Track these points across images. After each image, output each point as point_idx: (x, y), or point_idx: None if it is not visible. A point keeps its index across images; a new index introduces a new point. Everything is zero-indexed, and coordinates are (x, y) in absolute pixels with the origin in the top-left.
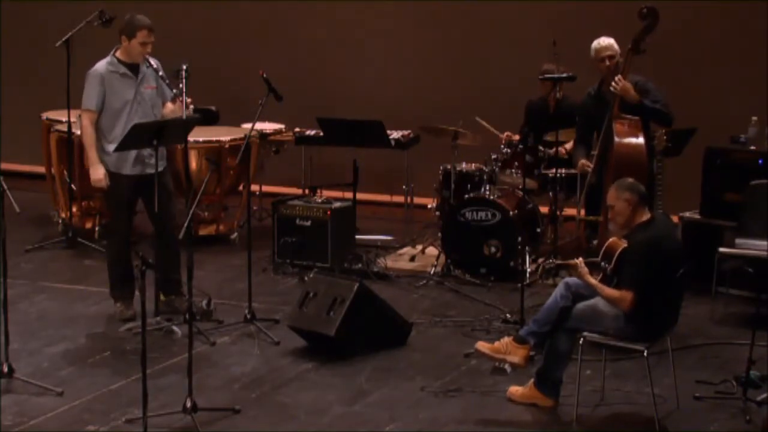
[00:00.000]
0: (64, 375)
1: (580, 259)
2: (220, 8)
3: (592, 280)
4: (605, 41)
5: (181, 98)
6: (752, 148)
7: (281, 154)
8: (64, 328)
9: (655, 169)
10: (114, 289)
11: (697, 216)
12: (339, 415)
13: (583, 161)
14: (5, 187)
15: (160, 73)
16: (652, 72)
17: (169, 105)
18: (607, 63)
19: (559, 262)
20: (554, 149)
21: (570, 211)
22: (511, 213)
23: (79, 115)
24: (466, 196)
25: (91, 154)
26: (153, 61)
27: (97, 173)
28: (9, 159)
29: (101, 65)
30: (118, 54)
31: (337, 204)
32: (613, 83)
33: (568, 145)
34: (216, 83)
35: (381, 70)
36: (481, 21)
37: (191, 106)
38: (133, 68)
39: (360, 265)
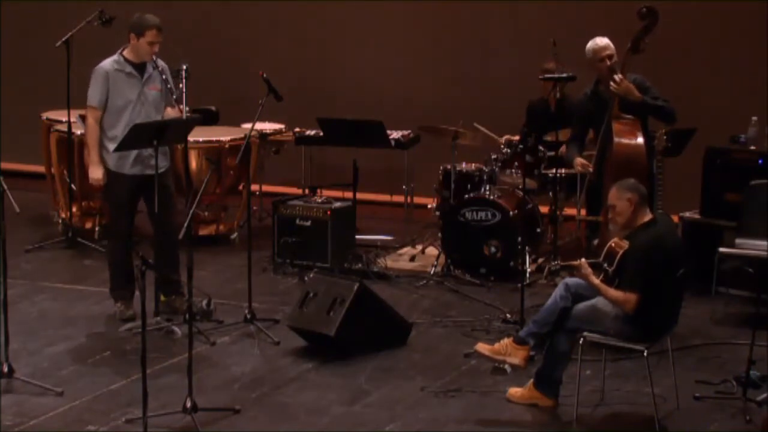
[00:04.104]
0: (64, 375)
1: (583, 259)
2: (220, 8)
3: (596, 281)
4: (602, 41)
5: (181, 105)
6: (752, 148)
7: (281, 154)
8: (64, 328)
9: (655, 169)
10: (114, 289)
11: (697, 216)
12: (339, 415)
13: (582, 161)
14: (5, 187)
15: (164, 77)
16: (652, 72)
17: (169, 110)
18: (607, 63)
19: (562, 263)
20: (555, 152)
21: (570, 211)
22: (511, 213)
23: (79, 116)
24: (466, 196)
25: (93, 152)
26: (161, 64)
27: (96, 172)
28: (9, 159)
29: (107, 63)
30: (125, 53)
31: (337, 204)
32: (613, 84)
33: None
34: (216, 83)
35: (381, 70)
36: (481, 21)
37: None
38: (139, 68)
39: (360, 265)
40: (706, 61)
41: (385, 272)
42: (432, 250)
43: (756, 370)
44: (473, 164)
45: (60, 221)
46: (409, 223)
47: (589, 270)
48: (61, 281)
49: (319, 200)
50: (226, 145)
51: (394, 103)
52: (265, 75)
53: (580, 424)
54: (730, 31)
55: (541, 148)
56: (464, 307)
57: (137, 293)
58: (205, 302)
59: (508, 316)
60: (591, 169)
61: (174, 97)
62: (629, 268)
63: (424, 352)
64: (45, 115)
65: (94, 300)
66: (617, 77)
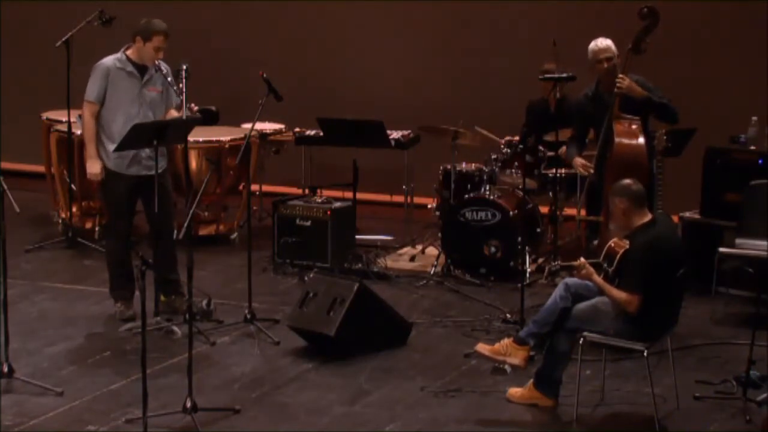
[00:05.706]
0: (64, 375)
1: (582, 259)
2: (220, 8)
3: (600, 280)
4: (603, 43)
5: (191, 104)
6: (752, 148)
7: (281, 154)
8: (64, 328)
9: (655, 169)
10: (114, 289)
11: (697, 216)
12: (339, 415)
13: (583, 162)
14: (5, 187)
15: (169, 79)
16: (653, 72)
17: (173, 111)
18: (605, 65)
19: (562, 263)
20: (554, 152)
21: (570, 211)
22: (511, 213)
23: (79, 116)
24: (466, 196)
25: (90, 147)
26: (164, 66)
27: (94, 167)
28: (9, 159)
29: (109, 60)
30: (128, 52)
31: (337, 204)
32: (617, 83)
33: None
34: (216, 83)
35: (381, 70)
36: (481, 21)
37: (197, 115)
38: (141, 69)
39: (360, 265)
40: (706, 61)
41: (385, 272)
42: (432, 250)
43: (756, 370)
44: (473, 164)
45: (60, 221)
46: (409, 223)
47: (591, 270)
48: (61, 281)
49: (319, 200)
50: (226, 145)
51: (394, 103)
52: (265, 75)
53: (580, 424)
54: (729, 31)
55: (541, 148)
56: (464, 307)
57: (137, 293)
58: (205, 302)
59: (508, 316)
60: (591, 170)
61: (180, 98)
62: (629, 270)
63: (424, 352)
64: (45, 115)
65: (94, 300)
66: (620, 76)
